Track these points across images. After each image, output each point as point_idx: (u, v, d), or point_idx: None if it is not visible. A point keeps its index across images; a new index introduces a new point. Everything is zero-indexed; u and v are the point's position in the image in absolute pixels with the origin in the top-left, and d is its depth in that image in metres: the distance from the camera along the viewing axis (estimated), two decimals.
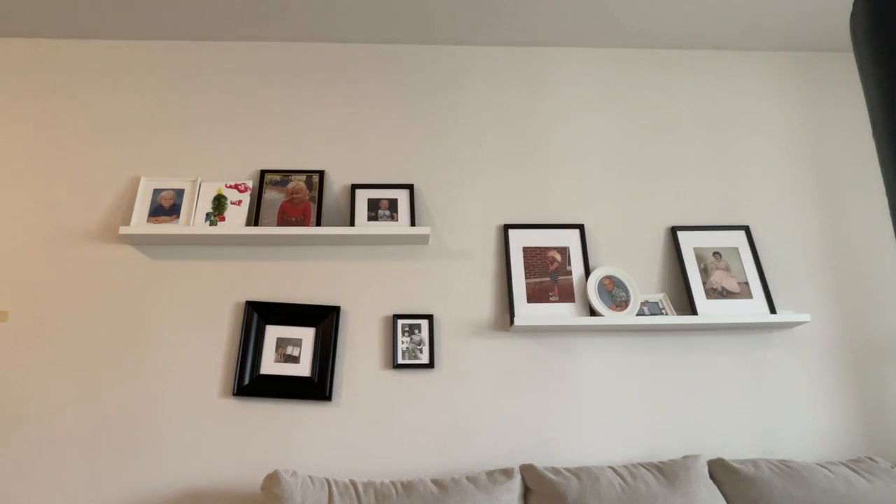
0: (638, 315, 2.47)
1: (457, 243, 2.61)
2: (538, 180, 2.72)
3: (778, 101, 2.93)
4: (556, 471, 2.14)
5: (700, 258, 2.61)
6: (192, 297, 2.46)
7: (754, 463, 2.19)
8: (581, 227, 2.63)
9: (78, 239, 2.50)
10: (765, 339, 2.56)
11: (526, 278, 2.52)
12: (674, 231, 2.65)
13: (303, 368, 2.37)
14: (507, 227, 2.61)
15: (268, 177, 2.62)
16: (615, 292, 2.50)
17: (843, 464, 2.24)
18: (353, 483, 2.08)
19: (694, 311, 2.49)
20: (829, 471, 2.18)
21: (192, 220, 2.49)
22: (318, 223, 2.54)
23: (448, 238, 2.61)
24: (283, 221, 2.53)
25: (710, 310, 2.51)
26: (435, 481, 2.10)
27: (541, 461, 2.30)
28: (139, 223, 2.48)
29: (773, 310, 2.52)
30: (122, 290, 2.45)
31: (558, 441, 2.38)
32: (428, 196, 2.67)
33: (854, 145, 2.87)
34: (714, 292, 2.55)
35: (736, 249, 2.64)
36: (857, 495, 2.09)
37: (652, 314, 2.50)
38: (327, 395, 2.34)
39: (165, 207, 2.52)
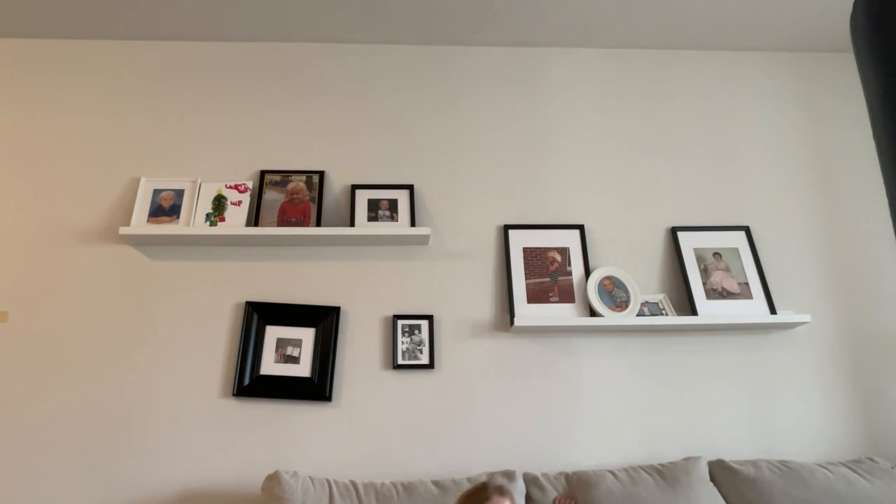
0: (638, 315, 2.47)
1: (457, 244, 2.60)
2: (538, 181, 2.72)
3: (778, 101, 2.93)
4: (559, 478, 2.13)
5: (700, 258, 2.61)
6: (192, 297, 2.46)
7: (754, 464, 2.19)
8: (581, 228, 2.62)
9: (78, 239, 2.50)
10: (765, 340, 2.56)
11: (526, 279, 2.52)
12: (674, 231, 2.65)
13: (303, 369, 2.37)
14: (507, 227, 2.61)
15: (268, 177, 2.62)
16: (615, 293, 2.50)
17: (843, 464, 2.24)
18: (354, 484, 2.08)
19: (694, 312, 2.49)
20: (829, 471, 2.17)
21: (192, 221, 2.48)
22: (318, 223, 2.54)
23: (448, 238, 2.61)
24: (283, 222, 2.53)
25: (710, 310, 2.50)
26: (436, 482, 2.10)
27: (541, 461, 2.30)
28: (139, 223, 2.47)
29: (773, 310, 2.51)
30: (122, 291, 2.45)
31: (558, 442, 2.37)
32: (428, 196, 2.67)
33: (854, 145, 2.87)
34: (714, 293, 2.55)
35: (736, 250, 2.63)
36: (857, 495, 2.09)
37: (652, 315, 2.49)
38: (327, 395, 2.34)
39: (165, 208, 2.52)
